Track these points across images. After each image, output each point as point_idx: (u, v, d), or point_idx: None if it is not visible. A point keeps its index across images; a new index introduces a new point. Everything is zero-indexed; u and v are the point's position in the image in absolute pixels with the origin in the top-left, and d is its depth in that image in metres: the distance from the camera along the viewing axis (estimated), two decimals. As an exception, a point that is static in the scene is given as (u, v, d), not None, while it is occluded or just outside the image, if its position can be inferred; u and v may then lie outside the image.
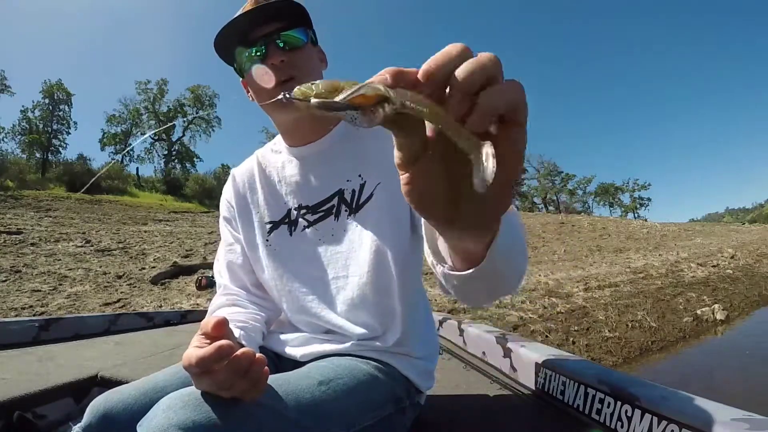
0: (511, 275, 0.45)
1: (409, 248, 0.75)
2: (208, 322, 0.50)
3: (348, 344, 0.76)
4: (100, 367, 1.16)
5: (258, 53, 0.71)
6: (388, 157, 0.75)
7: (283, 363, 0.81)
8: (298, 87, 0.28)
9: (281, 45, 0.71)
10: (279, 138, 0.87)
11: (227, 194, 0.89)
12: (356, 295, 0.75)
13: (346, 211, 0.77)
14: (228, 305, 0.79)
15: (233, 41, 0.73)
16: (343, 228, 0.77)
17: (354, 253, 0.75)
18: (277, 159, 0.85)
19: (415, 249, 0.76)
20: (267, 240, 0.82)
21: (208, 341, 0.49)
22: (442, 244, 0.43)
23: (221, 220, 0.90)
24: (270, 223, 0.82)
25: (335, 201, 0.78)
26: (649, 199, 42.32)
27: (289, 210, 0.81)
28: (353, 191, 0.77)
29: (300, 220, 0.80)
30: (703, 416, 0.57)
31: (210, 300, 0.88)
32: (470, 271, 0.39)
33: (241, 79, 0.79)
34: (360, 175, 0.77)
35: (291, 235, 0.81)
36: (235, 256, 0.85)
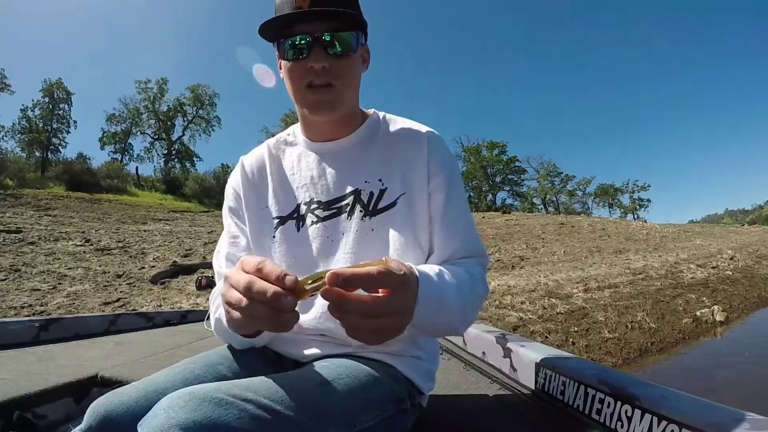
0: (442, 332, 0.69)
1: (421, 262, 0.74)
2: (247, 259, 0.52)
3: (349, 347, 0.76)
4: (100, 367, 1.15)
5: (302, 42, 0.67)
6: (413, 172, 0.76)
7: (283, 363, 0.81)
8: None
9: (328, 49, 0.68)
10: (295, 129, 0.84)
11: (234, 182, 0.84)
12: None
13: (361, 211, 0.75)
14: None
15: (279, 29, 0.69)
16: (356, 229, 0.74)
17: (366, 257, 0.72)
18: (291, 151, 0.82)
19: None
20: (273, 236, 0.78)
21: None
22: None
23: (226, 209, 0.85)
24: (278, 218, 0.79)
25: (350, 200, 0.76)
26: (648, 201, 42.43)
27: (299, 205, 0.78)
28: (371, 193, 0.75)
29: (309, 215, 0.77)
30: (703, 416, 0.57)
31: (210, 300, 0.86)
32: None
33: (277, 54, 0.75)
34: (381, 180, 0.75)
35: (298, 231, 0.77)
36: (238, 250, 0.81)
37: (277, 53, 0.74)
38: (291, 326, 0.49)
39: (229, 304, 0.52)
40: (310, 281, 0.47)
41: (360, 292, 0.48)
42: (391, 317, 0.49)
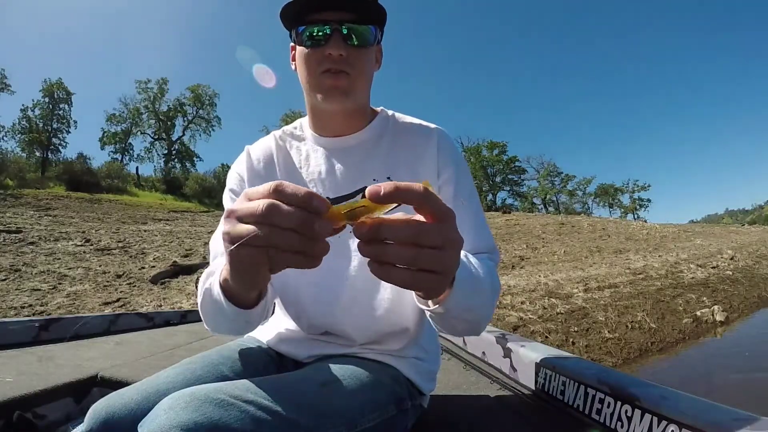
0: (473, 322, 0.59)
1: None
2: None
3: (351, 347, 0.76)
4: (100, 367, 1.16)
5: (320, 33, 0.68)
6: (422, 167, 0.75)
7: (285, 363, 0.81)
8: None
9: (347, 39, 0.68)
10: (302, 123, 0.84)
11: (239, 168, 0.83)
12: (372, 308, 0.74)
13: None
14: None
15: (300, 14, 0.69)
16: None
17: None
18: (299, 144, 0.82)
19: None
20: None
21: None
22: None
23: (227, 193, 0.83)
24: None
25: (358, 198, 0.75)
26: (648, 200, 42.36)
27: None
28: None
29: None
30: (703, 416, 0.57)
31: (198, 285, 0.80)
32: (435, 306, 0.52)
33: (291, 44, 0.75)
34: (389, 178, 0.75)
35: None
36: None
37: (292, 41, 0.73)
38: (321, 260, 0.40)
39: (237, 239, 0.39)
40: (344, 209, 0.39)
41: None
42: (434, 250, 0.39)
